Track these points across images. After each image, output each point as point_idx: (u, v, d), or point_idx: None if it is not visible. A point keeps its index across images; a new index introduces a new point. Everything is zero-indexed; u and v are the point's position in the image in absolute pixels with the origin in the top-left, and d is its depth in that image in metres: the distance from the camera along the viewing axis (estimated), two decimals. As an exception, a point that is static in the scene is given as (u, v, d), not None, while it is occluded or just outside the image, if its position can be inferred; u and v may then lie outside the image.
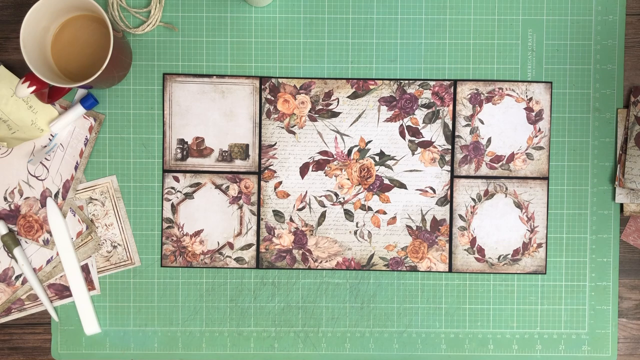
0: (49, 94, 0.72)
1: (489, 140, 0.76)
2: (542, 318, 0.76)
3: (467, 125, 0.76)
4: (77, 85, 0.67)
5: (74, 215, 0.76)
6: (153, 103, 0.76)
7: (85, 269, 0.76)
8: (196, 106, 0.76)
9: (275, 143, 0.76)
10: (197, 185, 0.76)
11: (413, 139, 0.76)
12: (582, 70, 0.76)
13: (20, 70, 0.76)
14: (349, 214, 0.76)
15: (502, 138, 0.76)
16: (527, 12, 0.76)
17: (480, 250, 0.76)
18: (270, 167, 0.76)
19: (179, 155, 0.76)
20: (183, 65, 0.76)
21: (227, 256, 0.76)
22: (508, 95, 0.76)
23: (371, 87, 0.76)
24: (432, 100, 0.76)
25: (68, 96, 0.76)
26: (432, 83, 0.76)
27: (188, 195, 0.76)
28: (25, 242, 0.75)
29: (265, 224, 0.76)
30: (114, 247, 0.76)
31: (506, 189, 0.76)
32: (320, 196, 0.76)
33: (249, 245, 0.76)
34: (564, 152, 0.76)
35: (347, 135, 0.76)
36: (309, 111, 0.76)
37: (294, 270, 0.77)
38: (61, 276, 0.76)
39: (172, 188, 0.76)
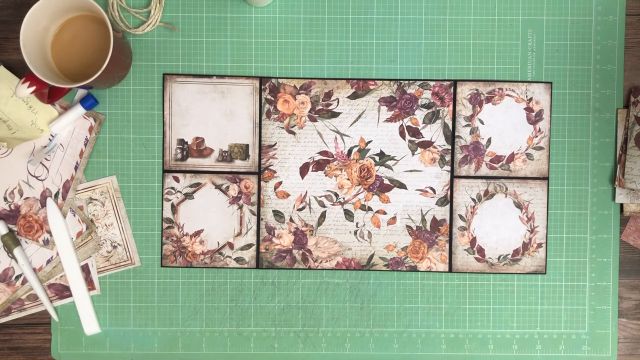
0: (49, 94, 0.72)
1: (489, 140, 0.76)
2: (542, 318, 0.76)
3: (467, 125, 0.76)
4: (77, 85, 0.67)
5: (74, 215, 0.76)
6: (153, 103, 0.76)
7: (85, 269, 0.76)
8: (196, 106, 0.76)
9: (275, 143, 0.76)
10: (197, 186, 0.76)
11: (413, 139, 0.76)
12: (582, 71, 0.76)
13: (20, 70, 0.76)
14: (349, 214, 0.76)
15: (502, 138, 0.76)
16: (527, 13, 0.76)
17: (480, 250, 0.76)
18: (270, 167, 0.76)
19: (179, 156, 0.76)
20: (183, 66, 0.76)
21: (227, 256, 0.76)
22: (508, 95, 0.76)
23: (371, 87, 0.76)
24: (432, 101, 0.76)
25: (68, 96, 0.76)
26: (432, 83, 0.76)
27: (188, 196, 0.76)
28: (25, 242, 0.75)
29: (265, 224, 0.76)
30: (114, 247, 0.76)
31: (506, 189, 0.76)
32: (320, 196, 0.76)
33: (249, 245, 0.76)
34: (564, 152, 0.76)
35: (347, 136, 0.76)
36: (309, 111, 0.76)
37: (294, 270, 0.77)
38: (61, 276, 0.76)
39: (172, 188, 0.76)
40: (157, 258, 0.76)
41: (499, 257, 0.76)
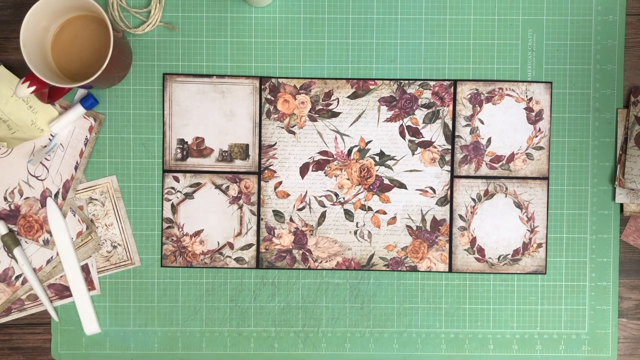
0: (49, 94, 0.72)
1: (489, 140, 0.76)
2: (542, 318, 0.76)
3: (467, 125, 0.76)
4: (77, 85, 0.67)
5: (74, 215, 0.76)
6: (153, 103, 0.76)
7: (85, 269, 0.76)
8: (196, 106, 0.76)
9: (275, 143, 0.76)
10: (197, 185, 0.76)
11: (413, 139, 0.76)
12: (582, 70, 0.76)
13: (20, 70, 0.76)
14: (349, 214, 0.76)
15: (502, 138, 0.76)
16: (527, 12, 0.76)
17: (480, 250, 0.76)
18: (270, 167, 0.76)
19: (179, 155, 0.76)
20: (183, 65, 0.76)
21: (227, 256, 0.76)
22: (508, 95, 0.76)
23: (371, 87, 0.76)
24: (432, 100, 0.76)
25: (68, 96, 0.76)
26: (432, 83, 0.76)
27: (188, 195, 0.76)
28: (25, 242, 0.75)
29: (265, 224, 0.76)
30: (114, 247, 0.76)
31: (506, 189, 0.76)
32: (320, 196, 0.76)
33: (249, 245, 0.76)
34: (564, 152, 0.76)
35: (347, 135, 0.76)
36: (309, 111, 0.76)
37: (294, 270, 0.76)
38: (61, 276, 0.76)
39: (172, 188, 0.76)
40: (157, 258, 0.76)
41: (499, 257, 0.76)
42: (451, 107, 0.76)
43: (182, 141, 0.76)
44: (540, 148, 0.76)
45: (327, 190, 0.76)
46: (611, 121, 0.76)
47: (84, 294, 0.75)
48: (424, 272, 0.76)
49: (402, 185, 0.76)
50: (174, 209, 0.76)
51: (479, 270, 0.76)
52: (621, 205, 0.76)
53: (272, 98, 0.76)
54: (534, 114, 0.76)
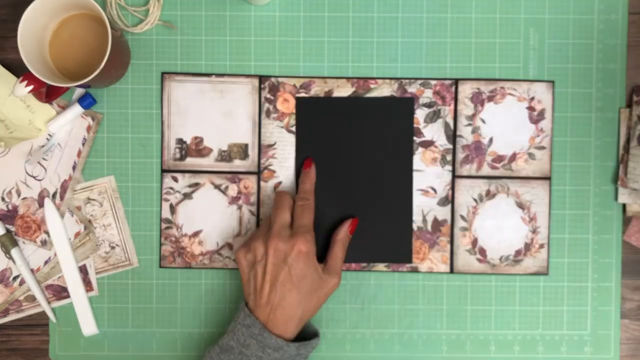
0: (47, 94, 0.72)
1: (491, 140, 0.75)
2: (544, 319, 0.76)
3: (469, 124, 0.75)
4: (75, 84, 0.67)
5: (72, 215, 0.75)
6: (151, 102, 0.75)
7: (83, 270, 0.75)
8: (195, 106, 0.75)
9: (275, 143, 0.75)
10: (196, 186, 0.75)
11: (414, 138, 0.75)
12: (585, 70, 0.75)
13: (18, 69, 0.75)
14: (349, 215, 0.76)
15: (503, 138, 0.75)
16: (528, 11, 0.75)
17: (482, 251, 0.76)
18: (270, 167, 0.76)
19: (178, 155, 0.75)
20: (182, 64, 0.75)
21: (226, 257, 0.76)
22: (510, 94, 0.75)
23: (372, 86, 0.75)
24: (433, 100, 0.75)
25: (66, 95, 0.75)
26: (433, 82, 0.75)
27: (187, 196, 0.75)
28: (23, 242, 0.75)
29: (264, 225, 0.76)
30: (112, 247, 0.75)
31: (508, 189, 0.75)
32: (321, 196, 0.76)
33: (249, 246, 0.76)
34: (566, 152, 0.76)
35: (348, 135, 0.75)
36: (309, 111, 0.75)
37: (294, 271, 0.76)
38: (59, 277, 0.75)
39: (171, 188, 0.75)
40: (155, 259, 0.76)
41: (501, 257, 0.76)
42: (452, 107, 0.75)
43: (180, 141, 0.75)
44: (542, 148, 0.75)
45: (327, 191, 0.76)
46: (614, 120, 0.76)
47: (82, 295, 0.75)
48: (425, 273, 0.76)
49: (402, 185, 0.76)
50: (172, 209, 0.76)
51: (481, 271, 0.76)
52: (624, 205, 0.76)
53: (272, 97, 0.75)
54: (535, 113, 0.75)
